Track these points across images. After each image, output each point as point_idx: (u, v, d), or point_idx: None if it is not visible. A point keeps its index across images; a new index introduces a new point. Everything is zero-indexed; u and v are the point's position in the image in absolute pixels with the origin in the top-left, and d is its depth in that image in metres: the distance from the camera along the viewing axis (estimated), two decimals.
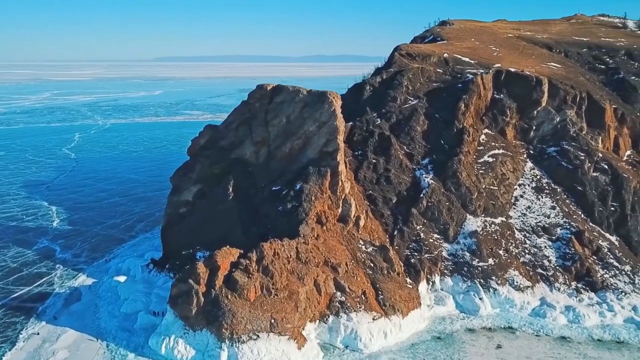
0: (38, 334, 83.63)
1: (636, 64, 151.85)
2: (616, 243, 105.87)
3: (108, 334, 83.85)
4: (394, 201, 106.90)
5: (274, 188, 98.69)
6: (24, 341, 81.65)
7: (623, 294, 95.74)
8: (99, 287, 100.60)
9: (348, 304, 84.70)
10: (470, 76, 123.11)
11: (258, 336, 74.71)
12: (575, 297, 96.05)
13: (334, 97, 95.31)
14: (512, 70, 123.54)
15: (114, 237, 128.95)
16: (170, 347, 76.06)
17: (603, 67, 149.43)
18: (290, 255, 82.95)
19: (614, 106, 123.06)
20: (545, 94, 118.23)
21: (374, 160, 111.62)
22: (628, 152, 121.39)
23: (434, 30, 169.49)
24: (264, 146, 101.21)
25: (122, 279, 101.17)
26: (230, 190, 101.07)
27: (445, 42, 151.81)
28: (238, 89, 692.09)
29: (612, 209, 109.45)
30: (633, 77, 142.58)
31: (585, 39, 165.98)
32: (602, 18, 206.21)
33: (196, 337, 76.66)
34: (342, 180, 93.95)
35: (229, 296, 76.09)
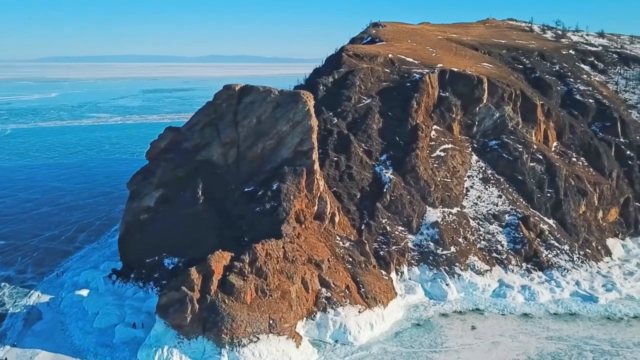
0: (6, 359, 76.43)
1: (548, 64, 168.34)
2: (554, 226, 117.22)
3: (87, 351, 78.40)
4: (358, 197, 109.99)
5: (246, 189, 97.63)
6: None
7: (566, 270, 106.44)
8: (59, 304, 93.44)
9: (334, 299, 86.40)
10: (418, 76, 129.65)
11: (258, 338, 74.25)
12: (527, 276, 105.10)
13: (307, 97, 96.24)
14: (455, 70, 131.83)
15: (56, 249, 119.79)
16: (165, 358, 73.20)
17: (521, 67, 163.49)
18: (279, 255, 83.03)
19: (541, 102, 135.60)
20: (486, 92, 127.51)
21: (335, 158, 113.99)
22: (555, 144, 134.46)
23: (370, 32, 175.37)
24: (233, 147, 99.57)
25: (84, 292, 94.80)
26: (200, 193, 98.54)
27: (384, 43, 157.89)
28: (141, 89, 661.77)
29: (548, 195, 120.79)
30: (547, 76, 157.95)
31: (503, 41, 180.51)
32: (511, 22, 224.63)
33: (191, 346, 74.41)
34: (317, 179, 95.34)
35: (226, 300, 74.78)
